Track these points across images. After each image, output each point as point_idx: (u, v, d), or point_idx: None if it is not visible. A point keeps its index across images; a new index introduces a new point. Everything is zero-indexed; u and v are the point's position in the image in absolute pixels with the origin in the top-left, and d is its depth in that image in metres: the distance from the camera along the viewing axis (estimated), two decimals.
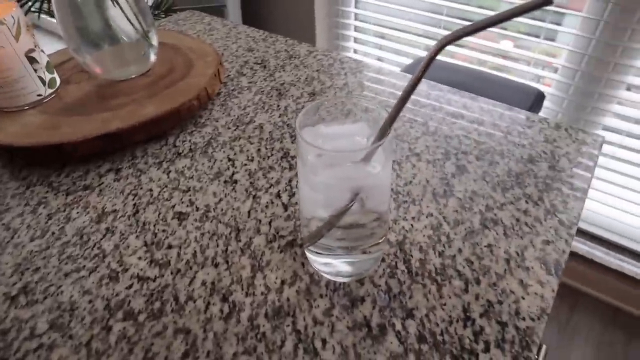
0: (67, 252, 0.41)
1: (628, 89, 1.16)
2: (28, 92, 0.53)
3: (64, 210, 0.45)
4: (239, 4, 1.77)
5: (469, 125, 0.57)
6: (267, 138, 0.54)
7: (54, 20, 0.56)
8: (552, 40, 1.23)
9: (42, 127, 0.50)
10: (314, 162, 0.31)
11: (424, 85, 0.65)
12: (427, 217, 0.43)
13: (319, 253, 0.35)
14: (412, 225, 0.42)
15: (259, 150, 0.52)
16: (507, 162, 0.50)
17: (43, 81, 0.54)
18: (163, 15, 1.67)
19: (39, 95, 0.54)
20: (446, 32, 1.37)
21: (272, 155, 0.51)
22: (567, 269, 1.40)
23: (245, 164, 0.50)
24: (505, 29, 1.29)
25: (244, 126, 0.56)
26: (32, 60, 0.52)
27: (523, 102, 1.09)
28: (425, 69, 0.27)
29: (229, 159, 0.51)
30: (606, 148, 1.24)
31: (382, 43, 1.53)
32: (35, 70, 0.53)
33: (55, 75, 0.57)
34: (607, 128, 1.23)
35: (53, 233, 0.42)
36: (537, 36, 1.24)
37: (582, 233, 1.37)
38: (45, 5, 1.44)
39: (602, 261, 1.32)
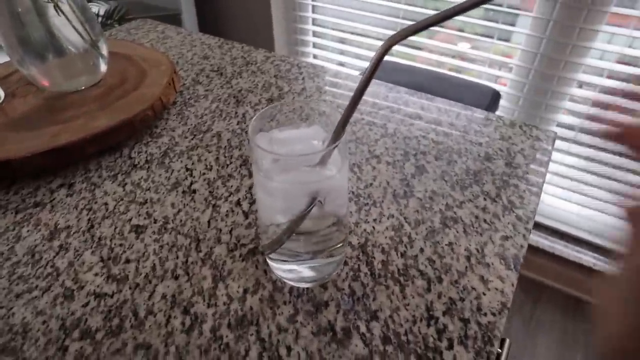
0: (17, 272, 0.38)
1: (579, 86, 1.22)
2: None
3: (13, 229, 0.43)
4: (194, 12, 1.75)
5: (427, 126, 0.58)
6: (225, 146, 0.53)
7: None
8: (507, 40, 1.28)
9: None
10: (270, 167, 0.31)
11: (382, 88, 0.66)
12: (388, 218, 0.43)
13: (280, 260, 0.35)
14: (373, 227, 0.42)
15: (217, 158, 0.51)
16: (465, 161, 0.52)
17: None
18: (116, 25, 1.62)
19: None
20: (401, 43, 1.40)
21: (231, 163, 0.51)
22: (529, 263, 1.45)
23: (204, 173, 0.49)
24: (462, 30, 1.33)
25: (202, 135, 0.55)
26: None
27: (480, 101, 1.12)
28: (373, 69, 0.27)
29: (187, 169, 0.50)
30: (560, 144, 1.30)
31: (342, 47, 1.54)
32: None
33: (1, 92, 0.54)
34: (561, 124, 1.29)
35: (2, 253, 0.40)
36: (492, 37, 1.28)
37: (543, 228, 1.42)
38: None
39: (562, 254, 1.37)
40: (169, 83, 0.58)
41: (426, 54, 1.41)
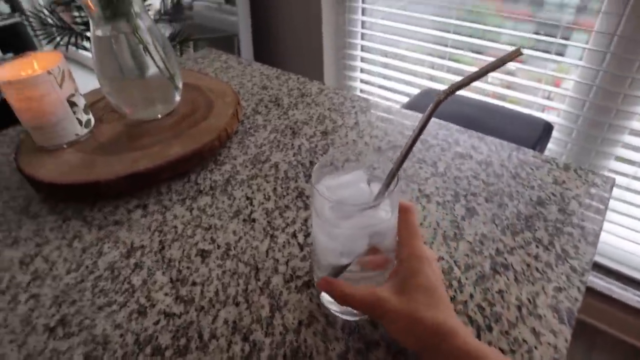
0: (99, 285, 0.43)
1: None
2: (67, 132, 0.57)
3: (97, 245, 0.48)
4: (250, 35, 1.83)
5: (478, 166, 0.59)
6: (282, 177, 0.57)
7: (81, 52, 0.60)
8: (560, 62, 1.25)
9: (79, 166, 0.54)
10: (330, 214, 0.34)
11: (432, 125, 0.68)
12: (438, 260, 0.45)
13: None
14: None
15: (275, 189, 0.55)
16: (517, 205, 0.52)
17: (80, 122, 0.58)
18: (178, 46, 1.74)
19: (76, 134, 0.58)
20: (450, 63, 1.39)
21: (287, 194, 0.54)
22: (582, 305, 1.38)
23: (263, 203, 0.53)
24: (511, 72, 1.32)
25: (261, 165, 0.59)
26: (72, 104, 0.56)
27: (531, 133, 1.11)
28: (423, 125, 0.32)
29: (247, 198, 0.54)
30: (620, 179, 1.25)
31: (388, 73, 1.58)
32: (74, 113, 0.57)
33: (91, 116, 0.61)
34: (619, 158, 1.24)
35: (87, 267, 0.46)
36: (548, 52, 1.26)
37: (598, 267, 1.35)
38: (72, 40, 1.52)
39: (620, 297, 1.30)
40: (233, 114, 0.63)
41: (479, 83, 1.41)
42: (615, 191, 1.26)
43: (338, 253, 0.36)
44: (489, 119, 1.14)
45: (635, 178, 1.23)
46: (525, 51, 1.25)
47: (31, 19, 1.66)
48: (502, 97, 1.40)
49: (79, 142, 0.59)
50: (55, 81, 0.54)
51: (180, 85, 0.64)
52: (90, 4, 0.53)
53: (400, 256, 0.36)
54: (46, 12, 1.65)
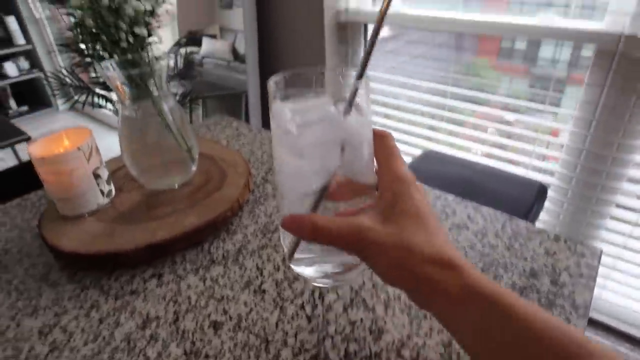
0: (116, 357, 0.46)
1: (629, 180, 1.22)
2: (90, 203, 0.61)
3: (114, 315, 0.51)
4: (258, 91, 1.93)
5: (474, 237, 0.63)
6: None
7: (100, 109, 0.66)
8: (556, 114, 1.32)
9: (100, 235, 0.58)
10: (296, 130, 0.32)
11: (430, 196, 0.72)
12: (438, 333, 0.47)
13: (307, 259, 0.36)
14: (424, 341, 0.47)
15: (284, 259, 0.58)
16: (511, 276, 0.55)
17: (102, 192, 0.63)
18: (188, 104, 1.83)
19: (98, 204, 0.62)
20: (449, 114, 1.46)
21: None
22: None
23: (272, 274, 0.56)
24: (507, 107, 1.39)
25: (270, 234, 0.63)
26: (96, 176, 0.61)
27: (527, 196, 1.15)
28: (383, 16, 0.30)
29: (258, 268, 0.57)
30: (615, 238, 1.28)
31: (390, 124, 1.66)
32: (98, 184, 0.62)
33: (112, 186, 0.65)
34: (614, 218, 1.28)
35: (104, 338, 0.48)
36: (541, 105, 1.33)
37: (597, 324, 1.36)
38: (89, 99, 1.61)
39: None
40: (245, 184, 0.68)
41: (470, 130, 1.47)
42: (611, 249, 1.29)
43: (310, 174, 0.32)
44: (485, 181, 1.19)
45: (631, 237, 1.26)
46: (521, 103, 1.32)
47: (50, 79, 1.76)
48: (503, 146, 1.44)
49: (99, 211, 0.63)
50: (84, 156, 0.59)
51: (196, 156, 0.69)
52: (120, 88, 0.59)
53: (381, 183, 0.33)
54: (65, 73, 1.75)
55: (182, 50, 2.10)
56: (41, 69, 3.36)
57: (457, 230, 0.64)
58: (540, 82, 1.32)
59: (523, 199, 1.14)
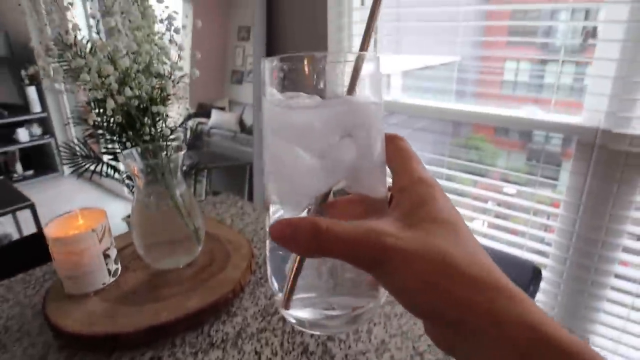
0: None
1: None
2: (96, 282, 0.64)
3: None
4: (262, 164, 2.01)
5: None
6: (289, 331, 0.62)
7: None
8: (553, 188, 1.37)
9: (103, 316, 0.59)
10: (301, 109, 0.27)
11: None
12: None
13: (306, 299, 0.29)
14: None
15: (282, 344, 0.60)
16: None
17: (110, 271, 0.65)
18: (193, 175, 1.90)
19: (103, 283, 0.65)
20: (448, 184, 1.53)
21: (293, 350, 0.59)
22: None
23: (270, 359, 0.57)
24: (506, 179, 1.44)
25: (270, 317, 0.65)
26: (106, 256, 0.64)
27: (522, 277, 1.17)
28: None
29: (256, 352, 0.58)
30: (615, 322, 1.27)
31: None
32: (107, 264, 0.64)
33: (119, 265, 0.68)
34: (615, 288, 1.28)
35: None
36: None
37: None
38: (99, 169, 1.67)
39: None
40: (247, 266, 0.70)
41: (470, 200, 1.50)
42: (611, 332, 1.28)
43: (318, 170, 0.26)
44: None
45: (633, 308, 1.26)
46: (520, 174, 1.38)
47: (62, 149, 1.84)
48: (504, 216, 1.47)
49: (104, 289, 0.65)
50: (97, 237, 0.62)
51: (202, 237, 0.72)
52: (137, 174, 0.64)
53: (400, 184, 0.26)
54: (77, 142, 1.83)
55: (191, 122, 2.20)
56: (52, 135, 3.49)
57: None
58: (537, 155, 1.39)
59: (518, 280, 1.16)
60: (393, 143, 0.29)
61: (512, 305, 0.20)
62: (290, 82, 0.27)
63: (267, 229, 0.25)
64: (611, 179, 1.12)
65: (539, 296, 1.42)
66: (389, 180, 0.29)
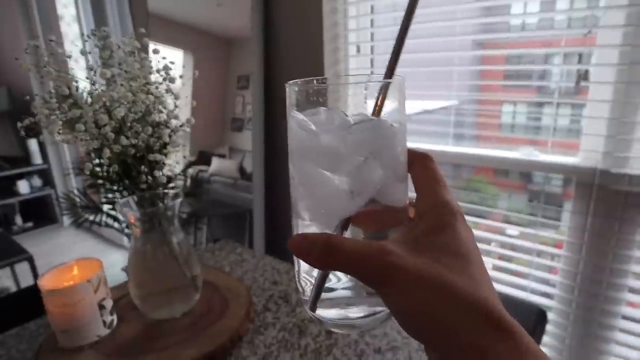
0: None
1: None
2: (91, 334, 0.62)
3: None
4: (262, 211, 2.01)
5: None
6: None
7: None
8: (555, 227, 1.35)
9: None
10: (328, 135, 0.28)
11: None
12: None
13: (331, 300, 0.30)
14: None
15: None
16: None
17: (105, 323, 0.64)
18: (193, 223, 1.89)
19: (98, 335, 0.63)
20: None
21: None
22: None
23: None
24: (508, 220, 1.43)
25: None
26: (101, 307, 0.63)
27: (526, 321, 1.14)
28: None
29: None
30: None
31: None
32: (102, 315, 0.63)
33: (115, 316, 0.66)
34: (619, 343, 1.24)
35: None
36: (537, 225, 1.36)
37: None
38: (98, 218, 1.67)
39: None
40: (246, 314, 0.69)
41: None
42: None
43: (347, 194, 0.27)
44: None
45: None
46: (522, 216, 1.36)
47: (61, 200, 1.85)
48: (507, 258, 1.44)
49: (99, 342, 0.63)
50: (92, 288, 0.61)
51: (200, 285, 0.71)
52: (135, 223, 0.64)
53: (421, 207, 0.27)
54: (77, 193, 1.85)
55: (191, 170, 2.22)
56: (53, 187, 3.51)
57: None
58: (538, 196, 1.39)
59: (523, 323, 1.12)
60: (422, 163, 0.29)
61: (505, 343, 0.20)
62: (312, 103, 0.28)
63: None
64: (612, 218, 1.11)
65: (546, 339, 1.37)
66: (412, 195, 0.30)
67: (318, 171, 0.28)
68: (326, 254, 0.24)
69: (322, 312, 0.30)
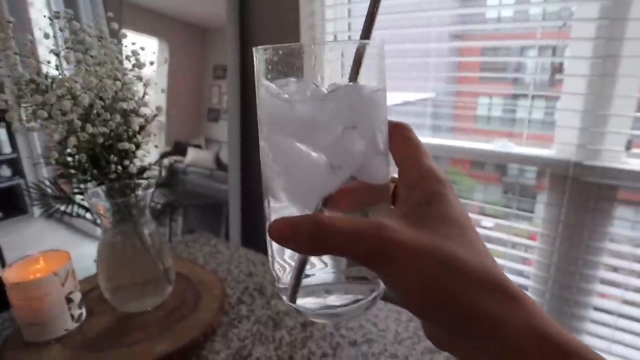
0: None
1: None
2: (58, 328, 0.60)
3: None
4: (239, 202, 1.99)
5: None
6: None
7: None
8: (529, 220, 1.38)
9: None
10: (306, 102, 0.26)
11: (403, 316, 0.73)
12: None
13: (310, 288, 0.28)
14: None
15: None
16: None
17: (73, 317, 0.62)
18: (169, 213, 1.86)
19: (65, 329, 0.61)
20: None
21: None
22: None
23: None
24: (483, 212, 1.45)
25: None
26: (69, 301, 0.61)
27: None
28: None
29: None
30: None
31: None
32: (70, 309, 0.61)
33: (83, 309, 0.65)
34: (598, 308, 1.26)
35: None
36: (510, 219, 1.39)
37: None
38: (69, 209, 1.62)
39: None
40: (219, 307, 0.68)
41: None
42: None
43: (327, 168, 0.25)
44: None
45: (616, 328, 1.25)
46: (497, 208, 1.39)
47: (31, 190, 1.79)
48: None
49: (67, 336, 0.61)
50: (59, 281, 0.59)
51: (172, 278, 0.69)
52: (103, 213, 0.62)
53: (407, 179, 0.25)
54: (47, 183, 1.78)
55: (166, 160, 2.18)
56: (23, 177, 3.39)
57: (430, 355, 0.64)
58: (513, 188, 1.41)
59: None
60: (399, 133, 0.27)
61: (517, 310, 0.20)
62: (284, 72, 0.25)
63: (267, 225, 0.24)
64: (585, 210, 1.14)
65: None
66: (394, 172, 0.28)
67: (294, 144, 0.25)
68: (316, 237, 0.21)
69: (301, 302, 0.28)
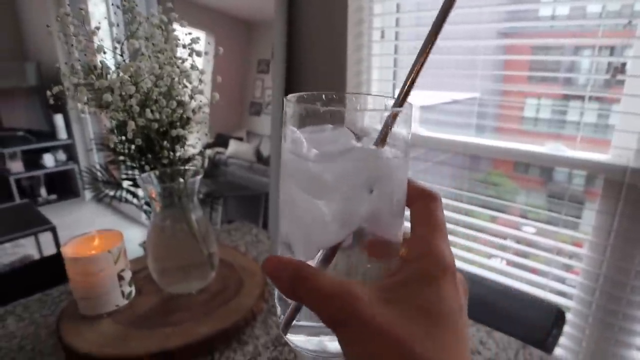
0: None
1: None
2: (110, 304, 0.64)
3: None
4: (278, 194, 2.01)
5: None
6: None
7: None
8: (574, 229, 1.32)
9: (115, 338, 0.59)
10: (318, 157, 0.26)
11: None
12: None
13: (303, 327, 0.28)
14: None
15: None
16: None
17: (123, 294, 0.65)
18: (210, 203, 1.91)
19: (116, 305, 0.64)
20: (465, 217, 1.45)
21: None
22: None
23: None
24: (525, 215, 1.41)
25: (282, 347, 0.63)
26: (120, 278, 0.64)
27: (544, 320, 1.12)
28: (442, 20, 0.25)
29: None
30: None
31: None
32: (121, 286, 0.64)
33: (133, 287, 0.68)
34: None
35: None
36: (557, 224, 1.33)
37: None
38: (118, 194, 1.71)
39: None
40: (260, 294, 0.69)
41: (488, 236, 1.45)
42: None
43: (331, 223, 0.25)
44: (503, 301, 1.17)
45: None
46: (539, 212, 1.34)
47: (84, 174, 1.90)
48: (524, 254, 1.41)
49: (118, 312, 0.65)
50: (113, 259, 0.63)
51: (216, 263, 0.72)
52: (155, 198, 0.65)
53: (408, 254, 0.25)
54: (98, 168, 1.88)
55: (209, 151, 2.24)
56: (76, 162, 3.60)
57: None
58: (558, 194, 1.35)
59: (540, 323, 1.11)
60: (424, 203, 0.26)
61: None
62: (319, 118, 0.26)
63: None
64: None
65: (563, 340, 1.35)
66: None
67: (302, 195, 0.26)
68: (292, 285, 0.23)
69: (295, 339, 0.28)
